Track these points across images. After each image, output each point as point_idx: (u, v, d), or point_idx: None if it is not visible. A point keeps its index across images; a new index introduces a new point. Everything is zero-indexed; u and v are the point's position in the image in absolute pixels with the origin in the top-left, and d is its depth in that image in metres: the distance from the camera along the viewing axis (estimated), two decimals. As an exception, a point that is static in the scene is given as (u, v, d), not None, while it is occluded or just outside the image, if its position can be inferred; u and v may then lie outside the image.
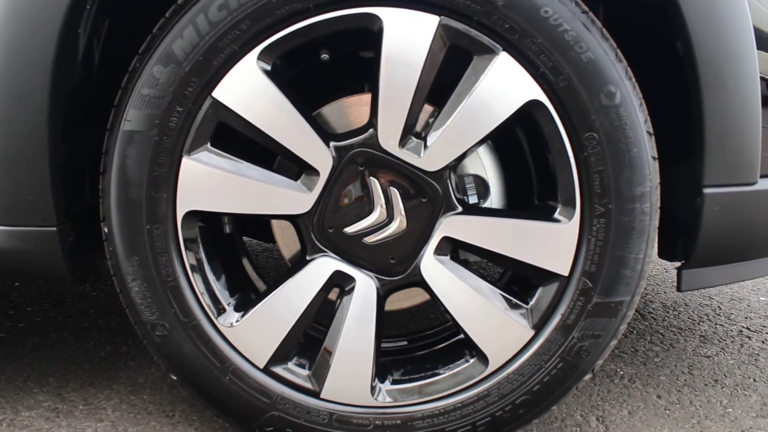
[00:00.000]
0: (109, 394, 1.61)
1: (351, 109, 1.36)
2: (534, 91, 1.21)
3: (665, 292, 2.25)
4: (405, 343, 1.47)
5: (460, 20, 1.20)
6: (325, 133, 1.26)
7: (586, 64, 1.20)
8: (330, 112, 1.36)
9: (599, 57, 1.20)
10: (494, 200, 1.34)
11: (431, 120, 1.30)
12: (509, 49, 1.20)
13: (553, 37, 1.19)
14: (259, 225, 1.68)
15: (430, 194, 1.25)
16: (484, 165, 1.34)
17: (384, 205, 1.26)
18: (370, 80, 1.32)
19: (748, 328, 1.97)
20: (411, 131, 1.24)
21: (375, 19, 1.20)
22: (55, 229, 1.31)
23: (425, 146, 1.23)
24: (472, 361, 1.29)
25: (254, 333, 1.29)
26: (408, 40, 1.20)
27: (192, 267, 1.29)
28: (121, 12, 1.38)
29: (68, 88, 1.30)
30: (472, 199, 1.32)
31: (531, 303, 1.28)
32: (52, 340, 1.92)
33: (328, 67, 1.38)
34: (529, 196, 1.36)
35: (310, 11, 1.21)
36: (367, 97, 1.31)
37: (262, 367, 1.29)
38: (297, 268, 1.29)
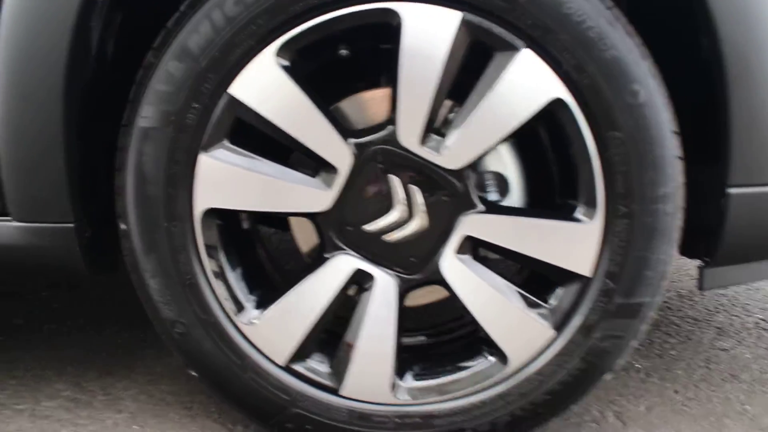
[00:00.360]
0: (127, 384, 1.62)
1: (368, 104, 1.34)
2: (557, 89, 1.18)
3: (680, 281, 2.24)
4: (424, 338, 1.47)
5: (482, 16, 1.18)
6: (344, 130, 1.24)
7: (610, 61, 1.17)
8: (347, 106, 1.34)
9: (624, 54, 1.18)
10: (514, 198, 1.32)
11: (450, 115, 1.28)
12: (532, 45, 1.18)
13: (577, 34, 1.16)
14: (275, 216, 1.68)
15: (450, 192, 1.24)
16: (505, 162, 1.32)
17: (404, 203, 1.25)
18: (388, 76, 1.29)
19: (764, 320, 1.96)
20: (431, 128, 1.22)
21: (394, 14, 1.18)
22: (72, 225, 1.31)
23: (446, 144, 1.22)
24: (492, 360, 1.29)
25: (274, 331, 1.29)
26: (429, 36, 1.18)
27: (210, 264, 1.28)
28: (135, 5, 1.36)
29: (82, 82, 1.29)
30: (493, 197, 1.31)
31: (552, 303, 1.27)
32: (69, 327, 1.93)
33: (343, 59, 1.36)
34: (550, 194, 1.34)
35: (328, 6, 1.19)
36: (384, 92, 1.30)
37: (282, 364, 1.29)
38: (315, 266, 1.29)
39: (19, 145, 1.28)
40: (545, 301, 1.28)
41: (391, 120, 1.22)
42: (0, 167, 1.29)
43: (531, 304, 1.27)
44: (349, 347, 1.29)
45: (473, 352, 1.32)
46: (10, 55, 1.24)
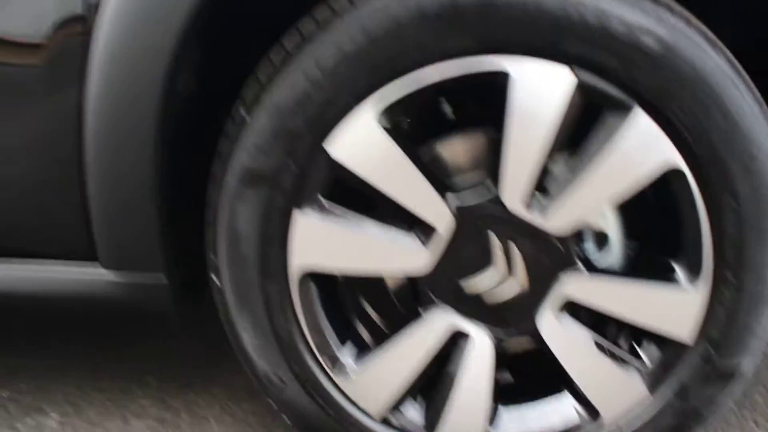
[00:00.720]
0: (209, 401, 1.66)
1: (461, 150, 1.28)
2: (672, 156, 1.13)
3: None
4: (508, 374, 1.46)
5: (599, 75, 1.11)
6: (443, 187, 1.20)
7: (730, 126, 1.11)
8: (440, 152, 1.29)
9: (745, 117, 1.12)
10: (613, 256, 1.29)
11: (552, 166, 1.23)
12: (647, 108, 1.12)
13: (696, 97, 1.10)
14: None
15: (552, 253, 1.20)
16: (605, 218, 1.28)
17: (504, 263, 1.22)
18: (484, 123, 1.24)
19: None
20: (536, 188, 1.18)
21: (504, 71, 1.11)
22: (164, 276, 1.30)
23: (552, 209, 1.17)
24: (585, 416, 1.29)
25: (369, 385, 1.30)
26: (541, 96, 1.11)
27: (306, 320, 1.27)
28: (219, 43, 1.30)
29: (172, 130, 1.24)
30: (591, 253, 1.28)
31: (649, 365, 1.26)
32: (143, 335, 1.95)
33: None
34: (650, 253, 1.30)
35: (430, 62, 1.13)
36: (477, 138, 1.25)
37: (378, 418, 1.30)
38: (411, 321, 1.27)
39: (110, 195, 1.26)
40: (643, 363, 1.27)
41: (495, 179, 1.18)
42: (90, 215, 1.27)
43: (628, 365, 1.26)
44: (443, 399, 1.30)
45: (565, 405, 1.32)
46: (104, 102, 1.21)
